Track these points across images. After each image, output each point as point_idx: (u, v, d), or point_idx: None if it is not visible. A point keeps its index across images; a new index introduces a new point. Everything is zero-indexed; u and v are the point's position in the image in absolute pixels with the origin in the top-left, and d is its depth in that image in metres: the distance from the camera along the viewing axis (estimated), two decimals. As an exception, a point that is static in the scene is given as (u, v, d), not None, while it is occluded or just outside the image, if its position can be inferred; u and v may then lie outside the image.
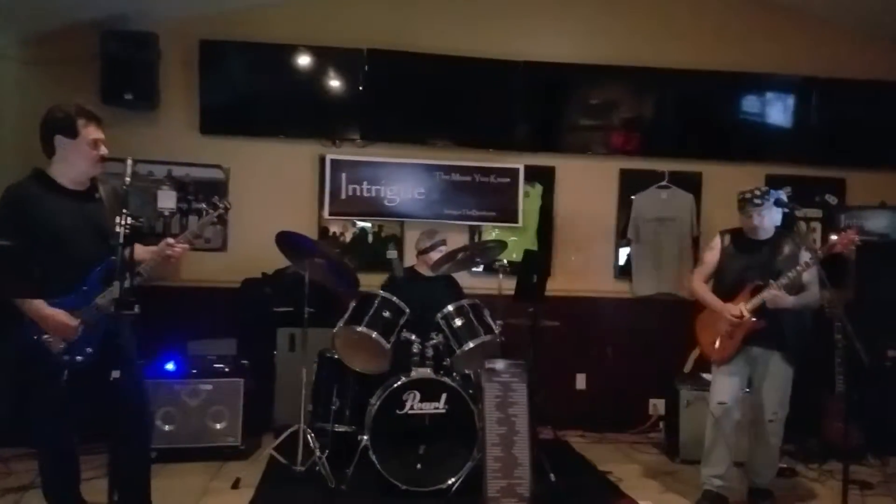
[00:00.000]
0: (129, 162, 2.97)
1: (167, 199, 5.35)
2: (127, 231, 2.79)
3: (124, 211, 2.81)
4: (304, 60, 5.59)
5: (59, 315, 3.05)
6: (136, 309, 3.02)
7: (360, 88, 5.60)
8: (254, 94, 5.60)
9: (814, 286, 3.99)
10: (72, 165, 3.14)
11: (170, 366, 4.71)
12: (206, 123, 5.50)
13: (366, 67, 5.58)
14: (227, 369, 4.75)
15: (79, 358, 3.08)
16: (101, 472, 4.13)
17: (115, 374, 2.88)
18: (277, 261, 4.84)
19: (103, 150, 3.18)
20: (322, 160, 5.64)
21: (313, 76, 5.63)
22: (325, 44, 5.58)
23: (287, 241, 4.32)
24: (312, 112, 5.63)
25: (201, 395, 4.65)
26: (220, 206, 3.50)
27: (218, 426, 4.66)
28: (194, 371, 4.72)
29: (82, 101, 3.21)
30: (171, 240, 3.29)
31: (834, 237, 3.80)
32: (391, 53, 5.59)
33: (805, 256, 3.91)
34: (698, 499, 4.10)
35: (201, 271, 5.50)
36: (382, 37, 5.61)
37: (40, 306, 3.02)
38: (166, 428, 4.58)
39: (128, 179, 2.95)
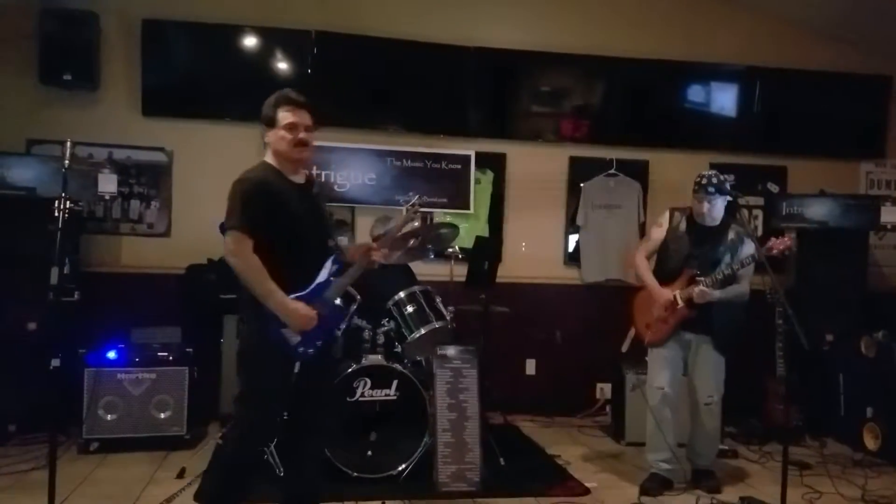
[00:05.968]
0: (68, 144, 2.90)
1: (108, 183, 5.16)
2: (66, 216, 2.71)
3: (63, 195, 2.73)
4: (250, 41, 5.47)
5: (303, 308, 2.96)
6: (76, 295, 2.95)
7: (309, 71, 5.50)
8: (198, 75, 5.45)
9: (745, 281, 4.07)
10: (277, 153, 3.07)
11: (112, 354, 4.57)
12: (149, 105, 5.35)
13: (314, 50, 5.48)
14: (171, 357, 4.65)
15: (311, 350, 3.05)
16: (42, 462, 4.04)
17: (55, 362, 2.80)
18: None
19: (301, 134, 3.04)
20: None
21: (260, 58, 5.51)
22: (273, 24, 5.46)
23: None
24: (259, 94, 5.44)
25: (145, 384, 4.55)
26: (414, 203, 3.44)
27: (162, 415, 4.57)
28: (137, 359, 4.60)
29: (290, 90, 3.16)
30: (373, 244, 3.29)
31: (771, 241, 3.85)
32: (340, 36, 5.50)
33: (746, 251, 3.98)
34: (644, 481, 4.17)
35: (144, 257, 5.37)
36: (332, 19, 5.51)
37: (286, 300, 2.93)
38: (109, 417, 4.47)
39: (66, 162, 2.87)
